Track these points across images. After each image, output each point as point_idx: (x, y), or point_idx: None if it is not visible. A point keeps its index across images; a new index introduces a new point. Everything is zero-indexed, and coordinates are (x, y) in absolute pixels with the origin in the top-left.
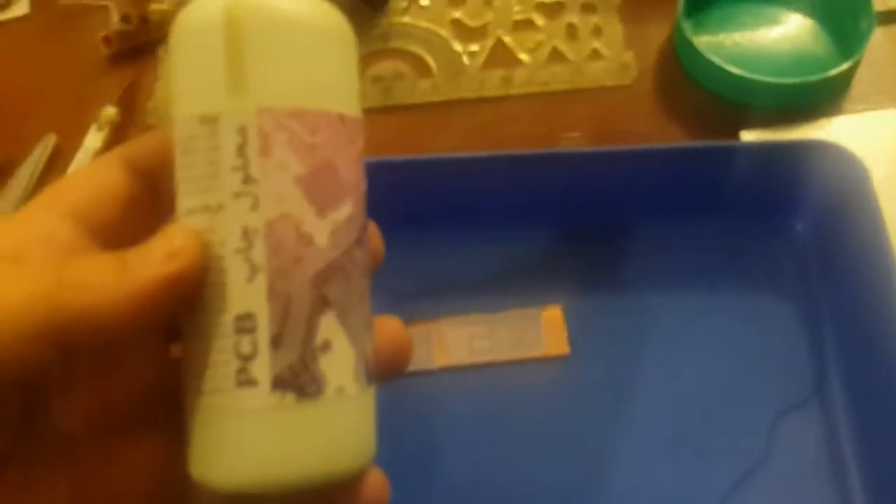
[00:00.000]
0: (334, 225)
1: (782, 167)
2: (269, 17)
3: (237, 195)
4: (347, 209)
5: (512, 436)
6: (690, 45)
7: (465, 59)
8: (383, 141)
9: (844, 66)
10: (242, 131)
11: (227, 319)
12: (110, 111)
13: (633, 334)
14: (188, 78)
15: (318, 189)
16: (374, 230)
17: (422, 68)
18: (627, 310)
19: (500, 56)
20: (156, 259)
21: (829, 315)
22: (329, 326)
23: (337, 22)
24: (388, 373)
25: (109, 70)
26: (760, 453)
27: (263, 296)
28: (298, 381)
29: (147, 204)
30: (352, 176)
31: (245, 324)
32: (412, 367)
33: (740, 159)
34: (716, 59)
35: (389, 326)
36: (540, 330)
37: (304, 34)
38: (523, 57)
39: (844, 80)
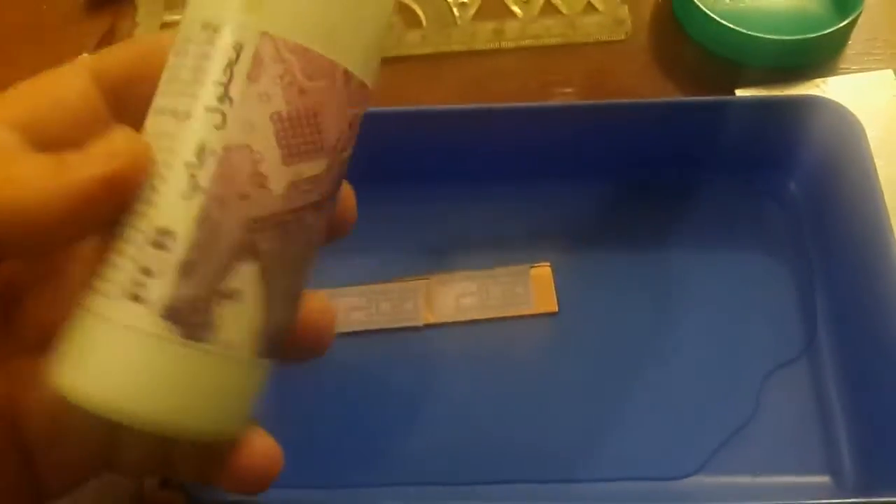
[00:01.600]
0: (296, 178)
1: (776, 124)
2: None
3: (208, 109)
4: (317, 168)
5: (499, 394)
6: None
7: (456, 11)
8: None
9: (841, 24)
10: (238, 48)
11: (148, 229)
12: (87, 59)
13: (622, 293)
14: None
15: (293, 135)
16: (348, 196)
17: (411, 19)
18: (616, 268)
19: (492, 8)
20: (94, 159)
21: (820, 274)
22: (246, 278)
23: None
24: (300, 352)
25: (86, 16)
26: (750, 411)
27: (192, 218)
28: (191, 319)
29: (106, 124)
30: (335, 137)
31: (163, 240)
32: (399, 324)
33: (733, 115)
34: (712, 15)
35: (314, 302)
36: (528, 287)
37: None
38: (515, 9)
39: (841, 40)
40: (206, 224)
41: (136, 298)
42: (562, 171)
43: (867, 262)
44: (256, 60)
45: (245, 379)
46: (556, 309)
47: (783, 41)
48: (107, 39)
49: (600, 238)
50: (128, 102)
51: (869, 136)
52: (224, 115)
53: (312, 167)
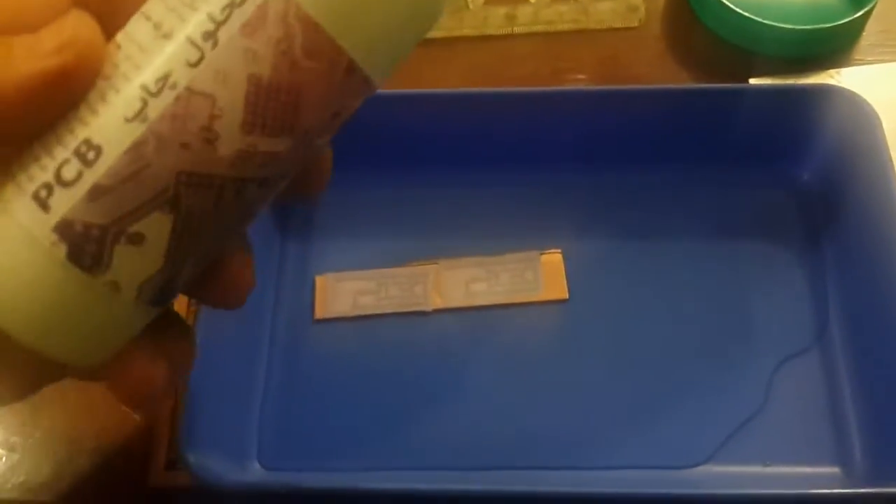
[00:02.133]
0: (249, 148)
1: (790, 113)
2: None
3: (189, 41)
4: (277, 146)
5: (507, 380)
6: None
7: None
8: None
9: (856, 15)
10: None
11: (77, 136)
12: None
13: (632, 281)
14: None
15: (264, 105)
16: (325, 160)
17: None
18: (628, 256)
19: None
20: (44, 50)
21: (832, 265)
22: (156, 228)
23: None
24: (212, 299)
25: None
26: (760, 401)
27: (125, 145)
28: (82, 244)
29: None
30: (311, 123)
31: (88, 153)
32: (408, 309)
33: (747, 103)
34: (727, 3)
35: (234, 262)
36: (538, 274)
37: None
38: None
39: (856, 30)
40: (136, 157)
41: (40, 201)
42: (573, 157)
43: (881, 253)
44: (260, 13)
45: (120, 320)
46: (567, 296)
47: (798, 31)
48: None
49: (612, 226)
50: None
51: (884, 127)
52: (202, 55)
53: (272, 144)
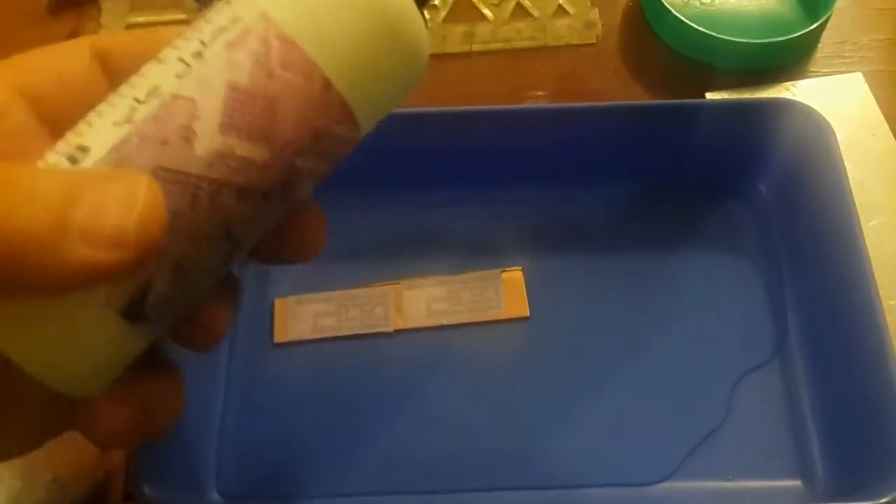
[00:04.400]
0: (226, 149)
1: (746, 127)
2: None
3: (180, 60)
4: (254, 153)
5: (470, 400)
6: (657, 3)
7: (426, 14)
8: None
9: (811, 27)
10: (235, 20)
11: (71, 144)
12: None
13: (593, 297)
14: None
15: (241, 109)
16: (318, 222)
17: None
18: (588, 272)
19: (463, 11)
20: (104, 238)
21: (790, 278)
22: None
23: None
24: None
25: (49, 19)
26: (721, 415)
27: (111, 143)
28: None
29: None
30: (290, 136)
31: (77, 154)
32: (369, 331)
33: (703, 118)
34: (682, 18)
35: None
36: (500, 292)
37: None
38: (486, 12)
39: (811, 43)
40: (118, 153)
41: None
42: (532, 174)
43: (837, 264)
44: (243, 34)
45: (97, 333)
46: (528, 314)
47: (753, 44)
48: None
49: (571, 242)
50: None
51: (839, 138)
52: (189, 69)
53: (249, 149)
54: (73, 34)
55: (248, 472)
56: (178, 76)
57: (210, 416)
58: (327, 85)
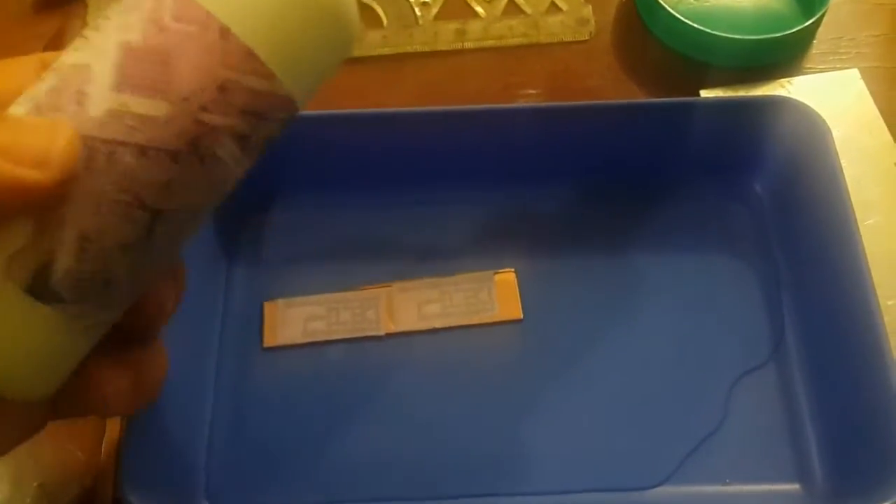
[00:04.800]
0: (120, 107)
1: (741, 125)
2: None
3: (82, 35)
4: (151, 109)
5: (463, 404)
6: None
7: (418, 10)
8: (328, 96)
9: (806, 23)
10: None
11: None
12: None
13: (587, 298)
14: None
15: (134, 66)
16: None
17: (371, 19)
18: (582, 273)
19: (455, 8)
20: (27, 157)
21: (786, 276)
22: None
23: None
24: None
25: (34, 18)
26: (718, 418)
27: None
28: None
29: None
30: (190, 88)
31: None
32: (360, 334)
33: (698, 116)
34: (676, 14)
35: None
36: (492, 294)
37: None
38: (478, 9)
39: (806, 39)
40: None
41: None
42: (525, 174)
43: (833, 263)
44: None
45: (13, 320)
46: (521, 316)
47: (748, 41)
48: (55, 42)
49: (565, 243)
50: None
51: (835, 135)
52: (87, 40)
53: (145, 106)
54: (59, 34)
55: (237, 479)
56: (75, 49)
57: (199, 422)
58: (225, 32)
